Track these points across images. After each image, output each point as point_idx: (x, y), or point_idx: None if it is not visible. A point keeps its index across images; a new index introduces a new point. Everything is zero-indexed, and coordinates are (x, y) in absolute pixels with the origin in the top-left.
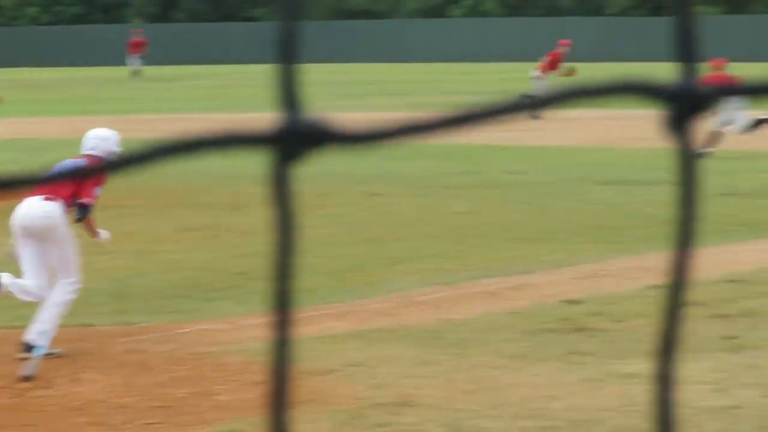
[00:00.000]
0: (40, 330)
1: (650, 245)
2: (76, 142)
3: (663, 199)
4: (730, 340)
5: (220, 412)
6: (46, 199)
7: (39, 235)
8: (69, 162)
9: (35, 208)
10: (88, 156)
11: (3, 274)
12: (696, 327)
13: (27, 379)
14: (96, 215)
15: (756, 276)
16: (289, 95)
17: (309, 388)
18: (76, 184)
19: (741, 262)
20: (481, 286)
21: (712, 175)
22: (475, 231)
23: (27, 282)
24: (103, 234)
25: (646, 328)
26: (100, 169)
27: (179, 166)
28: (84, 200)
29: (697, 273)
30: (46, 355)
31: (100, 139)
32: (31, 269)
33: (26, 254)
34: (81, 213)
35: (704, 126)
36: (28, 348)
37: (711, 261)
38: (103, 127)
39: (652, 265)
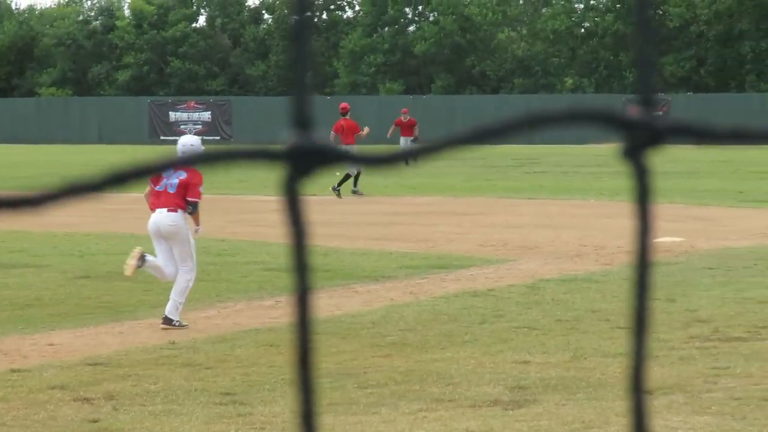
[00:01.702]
0: (171, 307)
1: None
2: None
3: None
4: (93, 423)
5: None
6: (170, 210)
7: (167, 236)
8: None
9: (164, 217)
10: None
11: (148, 255)
12: (59, 411)
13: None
14: None
15: (115, 358)
16: (301, 118)
17: None
18: (184, 188)
19: (100, 345)
20: None
21: (68, 257)
22: None
23: (161, 265)
24: (200, 230)
25: None
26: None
27: None
28: (193, 199)
29: (57, 356)
30: (177, 325)
31: (189, 145)
32: (163, 258)
33: (159, 249)
34: (192, 208)
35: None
36: (167, 320)
37: (71, 345)
38: None
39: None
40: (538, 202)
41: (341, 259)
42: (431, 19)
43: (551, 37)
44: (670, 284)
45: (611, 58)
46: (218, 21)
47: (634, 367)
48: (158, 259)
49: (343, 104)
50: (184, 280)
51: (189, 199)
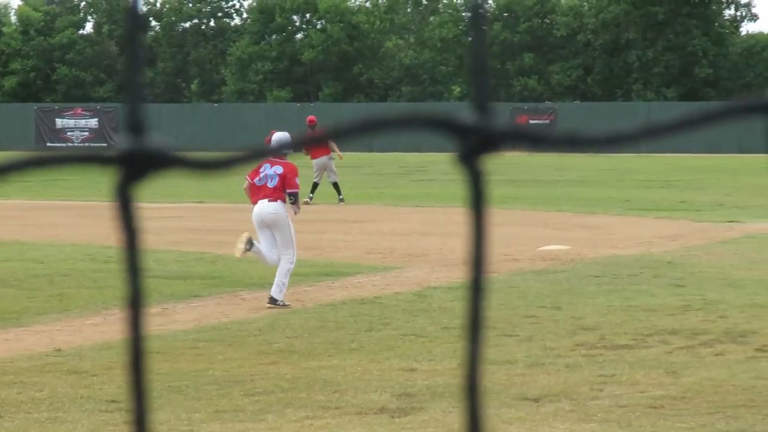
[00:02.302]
0: (276, 288)
1: None
2: None
3: None
4: None
5: None
6: (270, 201)
7: (269, 224)
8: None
9: (267, 207)
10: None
11: (255, 241)
12: None
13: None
14: None
15: (0, 366)
16: (134, 123)
17: None
18: (283, 180)
19: None
20: None
21: None
22: None
23: (265, 252)
24: (298, 210)
25: None
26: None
27: None
28: (291, 190)
29: None
30: (281, 305)
31: (282, 141)
32: (266, 245)
33: (263, 237)
34: (293, 198)
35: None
36: (273, 300)
37: None
38: None
39: None
40: (426, 209)
41: (228, 266)
42: (319, 26)
43: (439, 45)
44: (557, 292)
45: (498, 66)
46: (105, 28)
47: (469, 374)
48: (263, 246)
49: (310, 117)
50: (287, 262)
51: (288, 190)
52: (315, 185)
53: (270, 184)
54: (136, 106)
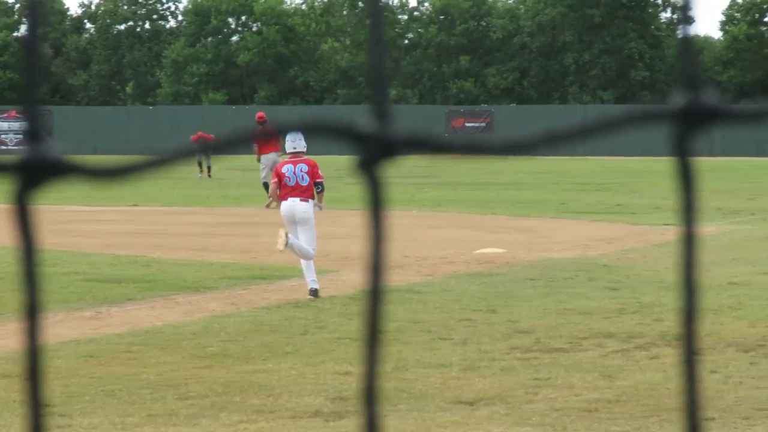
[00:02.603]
0: (310, 279)
1: None
2: None
3: None
4: None
5: None
6: (303, 200)
7: (299, 221)
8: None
9: (299, 206)
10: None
11: (292, 236)
12: None
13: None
14: None
15: None
16: (32, 131)
17: None
18: (311, 175)
19: None
20: None
21: None
22: None
23: (303, 246)
24: (323, 206)
25: None
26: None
27: None
28: (319, 180)
29: None
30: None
31: (300, 139)
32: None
33: (293, 232)
34: (320, 187)
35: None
36: (314, 292)
37: None
38: None
39: None
40: (360, 213)
41: (162, 269)
42: (255, 29)
43: None
44: (492, 295)
45: (435, 69)
46: (40, 30)
47: (368, 384)
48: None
49: (260, 113)
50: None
51: (316, 181)
52: (266, 185)
53: (302, 183)
54: (34, 114)
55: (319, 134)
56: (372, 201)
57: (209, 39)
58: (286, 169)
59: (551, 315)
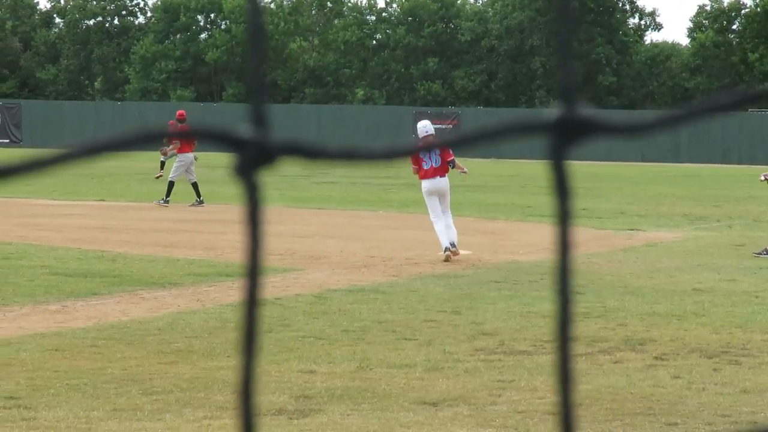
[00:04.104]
0: (450, 237)
1: None
2: None
3: None
4: None
5: None
6: (441, 177)
7: (441, 193)
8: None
9: (441, 181)
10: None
11: (454, 242)
12: None
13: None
14: None
15: None
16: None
17: None
18: (443, 157)
19: None
20: None
21: None
22: None
23: (443, 228)
24: (466, 170)
25: None
26: None
27: None
28: (450, 158)
29: None
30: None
31: (424, 126)
32: (436, 210)
33: (433, 204)
34: (452, 164)
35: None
36: (453, 245)
37: None
38: None
39: None
40: (327, 212)
41: (129, 265)
42: (223, 26)
43: (343, 47)
44: (457, 297)
45: (402, 70)
46: (9, 24)
47: (243, 390)
48: (440, 223)
49: (180, 111)
50: (450, 217)
51: (449, 160)
52: (171, 184)
53: (436, 165)
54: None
55: (210, 139)
56: (249, 206)
57: (178, 36)
58: (423, 154)
59: (515, 317)
